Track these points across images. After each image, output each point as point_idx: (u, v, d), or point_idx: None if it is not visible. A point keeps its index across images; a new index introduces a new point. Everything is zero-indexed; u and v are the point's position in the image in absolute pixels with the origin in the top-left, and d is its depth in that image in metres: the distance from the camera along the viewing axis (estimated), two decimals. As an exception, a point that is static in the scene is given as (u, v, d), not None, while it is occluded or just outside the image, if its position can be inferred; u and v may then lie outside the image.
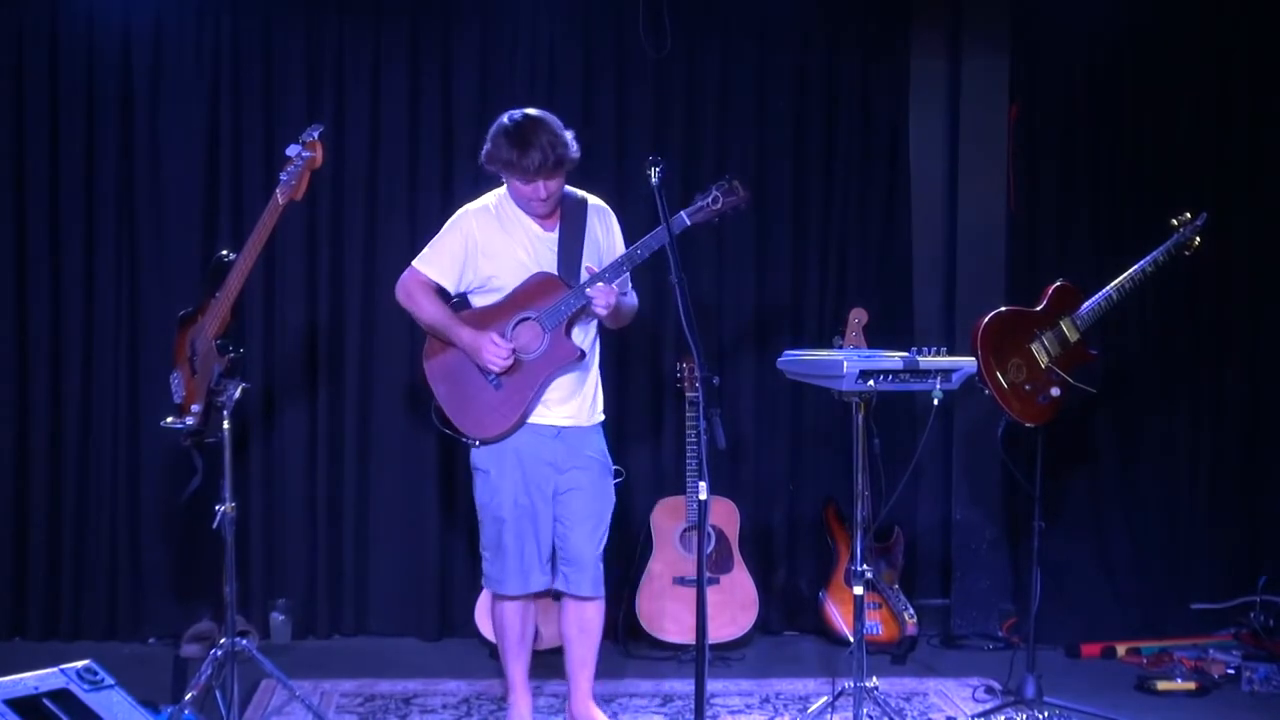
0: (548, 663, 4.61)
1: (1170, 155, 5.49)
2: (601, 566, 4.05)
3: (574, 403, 3.98)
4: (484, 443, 3.95)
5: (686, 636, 4.94)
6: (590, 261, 3.93)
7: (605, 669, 4.47)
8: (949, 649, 5.27)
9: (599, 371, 4.10)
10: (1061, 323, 4.40)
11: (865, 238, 5.47)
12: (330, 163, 4.76)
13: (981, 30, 5.44)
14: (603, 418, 4.10)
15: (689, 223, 3.83)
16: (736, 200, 3.86)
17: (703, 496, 3.26)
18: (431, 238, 4.04)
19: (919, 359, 3.80)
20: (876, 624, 5.02)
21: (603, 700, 4.37)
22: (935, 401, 3.79)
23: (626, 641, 5.04)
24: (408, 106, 5.23)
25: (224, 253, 3.93)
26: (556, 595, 4.10)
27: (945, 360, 3.83)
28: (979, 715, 4.35)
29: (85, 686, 3.16)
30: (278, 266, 5.17)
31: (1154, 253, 4.44)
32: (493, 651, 4.87)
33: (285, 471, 5.24)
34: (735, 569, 5.07)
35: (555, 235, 3.94)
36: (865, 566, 3.93)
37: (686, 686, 4.57)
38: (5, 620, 5.10)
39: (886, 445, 4.28)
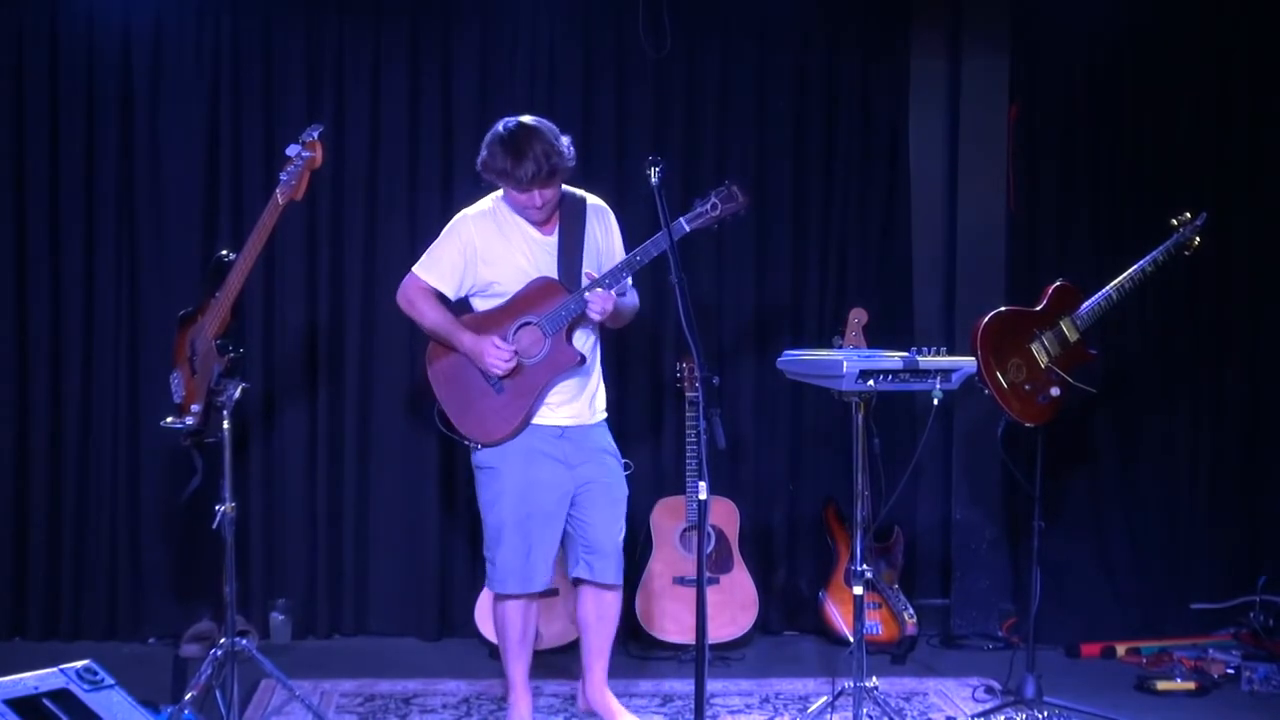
0: (548, 663, 4.62)
1: (1170, 155, 5.48)
2: (622, 556, 4.08)
3: (576, 403, 4.00)
4: (486, 446, 3.96)
5: (686, 636, 4.94)
6: (590, 262, 3.94)
7: (605, 669, 4.47)
8: (949, 649, 5.27)
9: (601, 370, 4.11)
10: (1061, 323, 4.40)
11: (865, 238, 5.47)
12: (330, 163, 4.76)
13: (981, 30, 5.44)
14: (605, 414, 4.11)
15: (688, 229, 3.84)
16: (736, 206, 3.87)
17: (703, 496, 3.26)
18: (431, 239, 4.04)
19: (919, 359, 3.80)
20: (876, 624, 5.02)
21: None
22: (935, 401, 3.80)
23: (626, 641, 5.03)
24: (408, 106, 5.23)
25: (224, 253, 3.93)
26: (554, 591, 4.10)
27: (945, 360, 3.83)
28: (979, 715, 4.35)
29: (85, 686, 3.16)
30: (278, 266, 5.17)
31: (1154, 253, 4.44)
32: (493, 651, 4.87)
33: (285, 471, 5.24)
34: (735, 569, 5.07)
35: (554, 239, 3.96)
36: (865, 566, 3.94)
37: (686, 686, 4.57)
38: (5, 620, 5.10)
39: (886, 445, 4.28)
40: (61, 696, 3.12)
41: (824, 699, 4.09)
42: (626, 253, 3.97)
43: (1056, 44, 5.48)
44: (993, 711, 4.36)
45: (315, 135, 3.71)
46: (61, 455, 5.13)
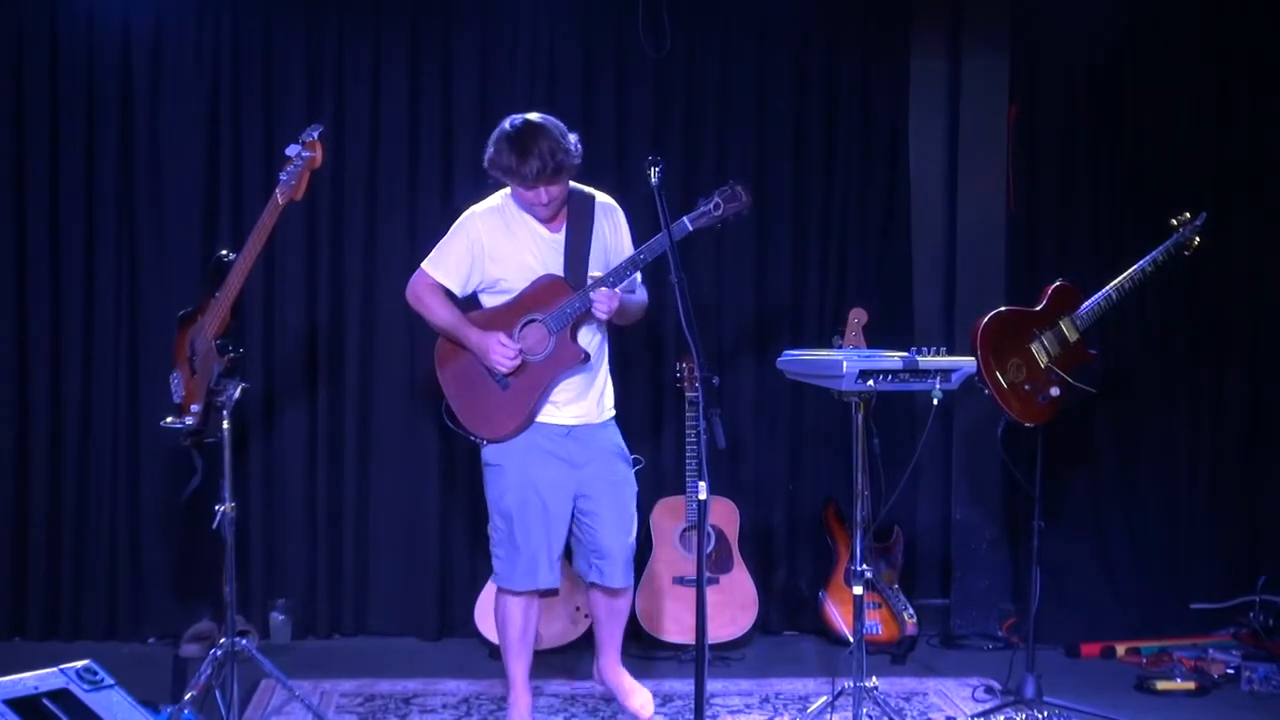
0: (547, 662, 4.62)
1: (1170, 155, 5.48)
2: (632, 557, 4.10)
3: (583, 402, 4.01)
4: (491, 442, 3.98)
5: (686, 636, 4.95)
6: (598, 260, 3.95)
7: (605, 669, 4.47)
8: (949, 649, 5.27)
9: (609, 369, 4.12)
10: (1061, 322, 4.40)
11: (865, 238, 5.47)
12: (330, 163, 4.76)
13: (981, 30, 5.44)
14: (613, 413, 4.12)
15: (691, 228, 3.84)
16: (739, 206, 3.87)
17: (702, 496, 3.26)
18: (431, 239, 4.04)
19: (918, 359, 3.80)
20: (876, 624, 5.03)
21: (603, 700, 4.39)
22: (935, 401, 3.80)
23: (626, 641, 5.00)
24: (408, 106, 5.23)
25: (224, 253, 3.93)
26: (555, 591, 4.11)
27: (945, 360, 3.84)
28: (979, 715, 4.35)
29: (85, 686, 3.16)
30: (278, 266, 5.17)
31: (1154, 252, 4.44)
32: (492, 651, 4.87)
33: (285, 471, 5.24)
34: (735, 569, 5.07)
35: (562, 236, 3.96)
36: (865, 566, 3.94)
37: (686, 686, 4.57)
38: (5, 620, 5.10)
39: (886, 445, 4.28)
40: (61, 696, 3.11)
41: (824, 699, 4.09)
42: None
43: (1056, 44, 5.48)
44: (993, 711, 4.36)
45: (315, 135, 3.71)
46: (61, 455, 5.13)
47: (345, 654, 5.08)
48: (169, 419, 4.00)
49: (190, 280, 4.84)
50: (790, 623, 5.44)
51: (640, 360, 5.32)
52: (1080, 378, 4.40)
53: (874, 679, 3.95)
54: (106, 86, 5.10)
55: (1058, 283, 4.47)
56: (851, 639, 3.95)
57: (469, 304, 4.07)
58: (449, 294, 4.01)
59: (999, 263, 5.44)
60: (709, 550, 5.03)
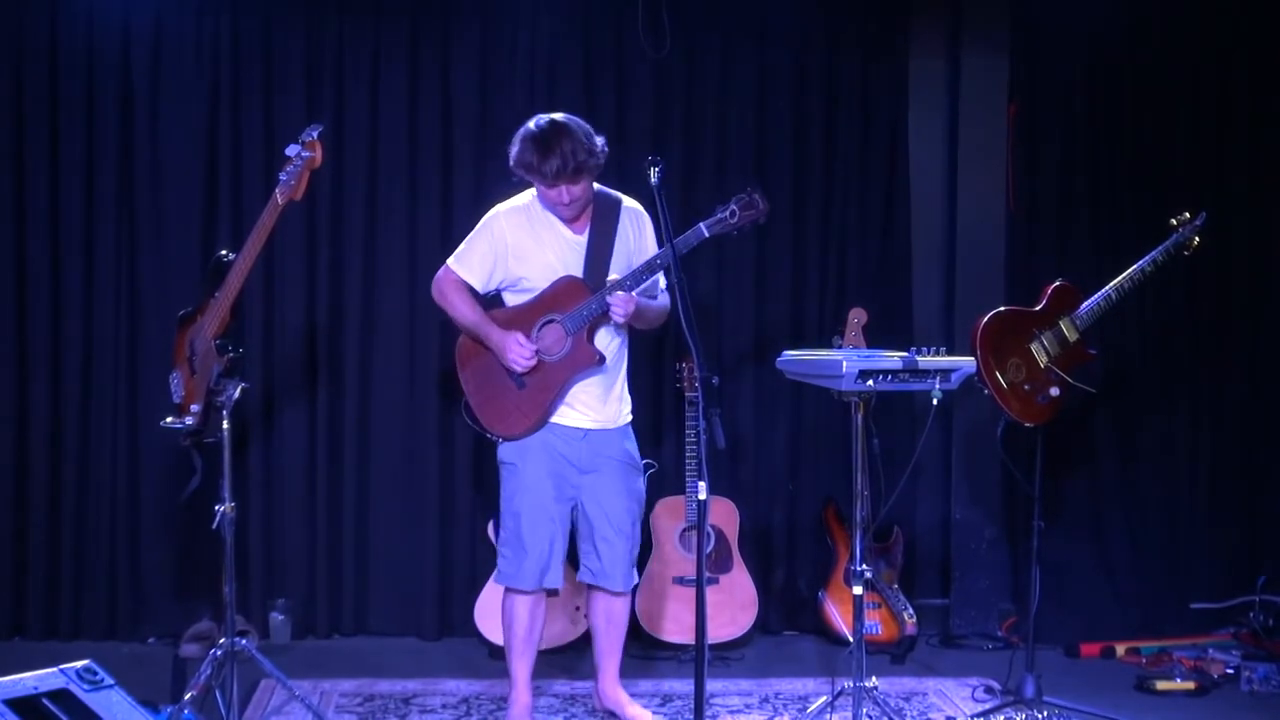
0: (547, 662, 4.62)
1: (1170, 155, 5.48)
2: (631, 562, 4.12)
3: (601, 406, 4.04)
4: (506, 439, 4.01)
5: (686, 636, 4.95)
6: (620, 264, 3.98)
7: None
8: (948, 649, 5.28)
9: (627, 373, 4.14)
10: (1061, 322, 4.40)
11: (865, 238, 5.47)
12: (330, 163, 4.78)
13: (981, 30, 5.45)
14: (630, 419, 4.15)
15: (707, 234, 3.86)
16: (756, 214, 3.88)
17: (702, 496, 3.27)
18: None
19: (918, 359, 3.80)
20: (876, 624, 5.02)
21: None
22: (935, 401, 3.80)
23: (626, 641, 5.02)
24: (407, 106, 5.23)
25: (223, 253, 3.93)
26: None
27: (944, 360, 3.84)
28: (978, 715, 4.35)
29: (85, 686, 3.16)
30: (277, 266, 5.17)
31: (1153, 252, 4.44)
32: (493, 651, 4.88)
33: (285, 471, 5.24)
34: (735, 569, 5.07)
35: (585, 238, 3.99)
36: (865, 566, 3.94)
37: (686, 686, 4.57)
38: (5, 620, 5.10)
39: (886, 445, 4.28)
40: (61, 696, 3.11)
41: (824, 699, 4.10)
42: None
43: (1056, 44, 5.48)
44: (992, 711, 4.36)
45: (315, 135, 3.71)
46: (61, 455, 5.12)
47: (345, 654, 5.08)
48: (169, 419, 4.00)
49: (190, 280, 4.83)
50: (790, 623, 5.43)
51: (640, 360, 5.30)
52: (1080, 378, 4.40)
53: (874, 679, 3.94)
54: (106, 86, 5.10)
55: (1057, 283, 4.47)
56: (851, 639, 3.95)
57: (491, 302, 4.10)
58: (473, 291, 4.04)
59: (999, 263, 5.45)
60: (709, 550, 5.03)
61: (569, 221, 3.98)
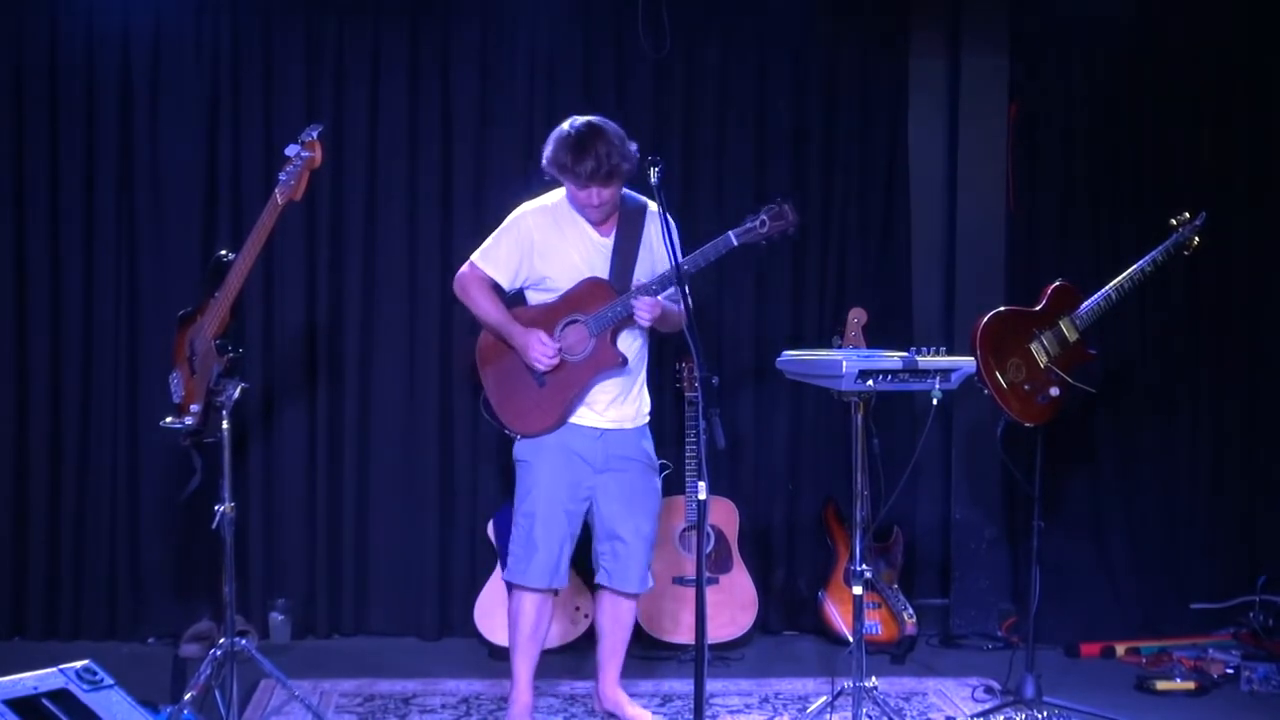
0: (547, 662, 4.60)
1: (1170, 155, 5.48)
2: (647, 564, 4.12)
3: (620, 406, 4.05)
4: (524, 437, 4.03)
5: (686, 636, 4.95)
6: (644, 267, 4.00)
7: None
8: (948, 649, 5.27)
9: (646, 375, 4.15)
10: (1060, 322, 4.40)
11: (865, 238, 5.47)
12: (330, 163, 4.78)
13: (981, 30, 5.44)
14: (648, 419, 4.16)
15: (736, 244, 3.91)
16: (785, 225, 3.94)
17: (702, 496, 3.26)
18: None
19: (918, 359, 3.80)
20: (876, 624, 5.02)
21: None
22: (934, 401, 3.80)
23: (626, 641, 5.04)
24: (407, 106, 5.22)
25: (223, 253, 3.93)
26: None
27: (944, 360, 3.84)
28: (978, 715, 4.35)
29: (84, 686, 3.16)
30: (277, 266, 5.17)
31: (1153, 252, 4.44)
32: (492, 651, 4.88)
33: (285, 471, 5.24)
34: (734, 569, 5.07)
35: (611, 241, 4.01)
36: (865, 566, 3.93)
37: (686, 686, 4.57)
38: (5, 620, 5.10)
39: (886, 445, 4.28)
40: (61, 696, 3.11)
41: (823, 699, 4.09)
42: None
43: (1056, 44, 5.48)
44: (992, 711, 4.36)
45: (315, 135, 3.71)
46: (61, 455, 5.12)
47: (345, 654, 5.08)
48: (168, 419, 4.00)
49: (190, 280, 4.83)
50: (790, 623, 5.43)
51: (640, 360, 5.32)
52: (1080, 378, 4.40)
53: (873, 679, 3.94)
54: (106, 86, 5.10)
55: (1057, 283, 4.47)
56: (851, 639, 3.95)
57: (511, 301, 4.11)
58: (497, 288, 4.05)
59: (999, 263, 5.44)
60: (709, 550, 5.03)
61: (596, 224, 3.99)
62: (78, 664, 3.22)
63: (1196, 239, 4.47)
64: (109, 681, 3.22)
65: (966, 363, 3.91)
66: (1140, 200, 5.41)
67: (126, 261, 5.14)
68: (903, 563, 5.21)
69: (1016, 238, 5.47)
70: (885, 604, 5.05)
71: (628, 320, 3.96)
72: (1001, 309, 4.49)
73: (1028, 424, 4.32)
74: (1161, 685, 4.67)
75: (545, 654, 4.55)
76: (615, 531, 4.05)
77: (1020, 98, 5.45)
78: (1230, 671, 4.82)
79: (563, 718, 4.32)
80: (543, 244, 3.99)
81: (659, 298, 3.92)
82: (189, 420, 3.91)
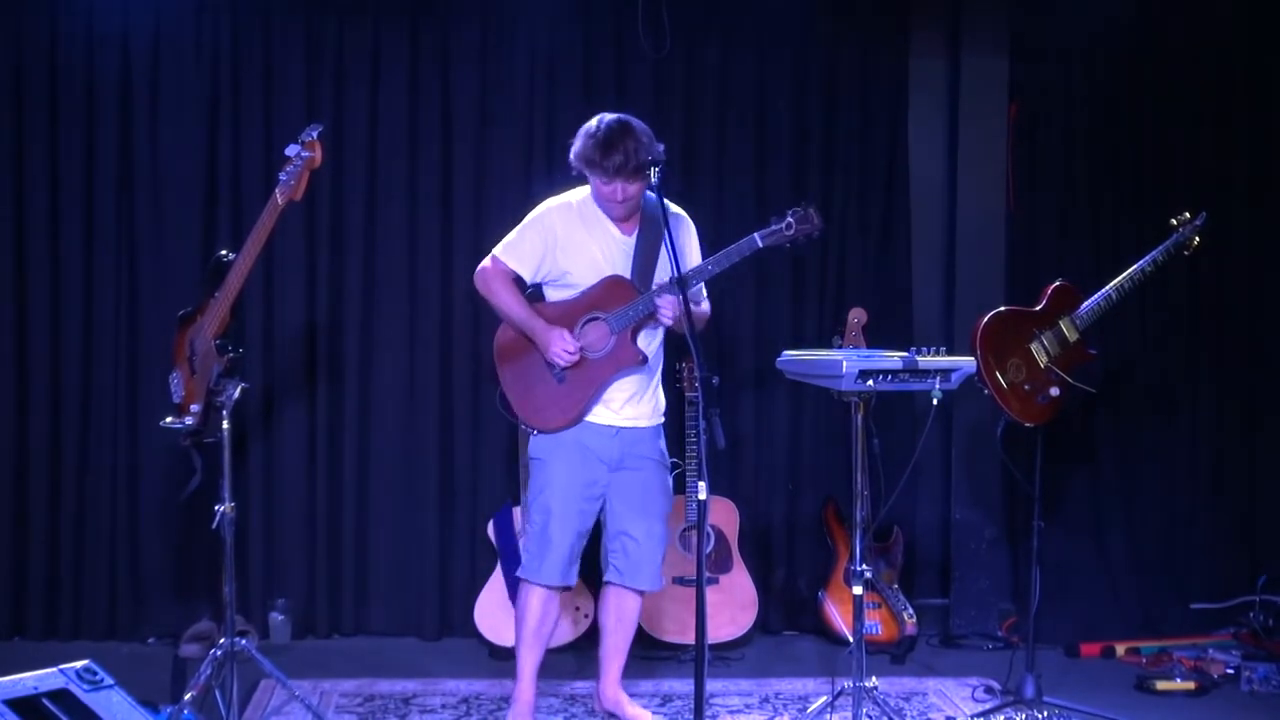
0: (547, 662, 4.60)
1: (1170, 155, 5.49)
2: (658, 562, 4.13)
3: (635, 404, 4.05)
4: (541, 432, 4.03)
5: (686, 636, 4.94)
6: (665, 267, 3.98)
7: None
8: (948, 649, 5.27)
9: (661, 374, 4.15)
10: (1061, 322, 4.40)
11: (865, 237, 5.47)
12: (330, 163, 4.77)
13: (981, 30, 5.44)
14: (663, 419, 4.17)
15: (761, 245, 3.92)
16: (810, 228, 3.95)
17: (702, 496, 3.27)
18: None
19: (918, 359, 3.80)
20: (876, 624, 5.02)
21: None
22: (935, 401, 3.80)
23: (626, 641, 5.04)
24: (407, 106, 5.23)
25: (223, 253, 3.93)
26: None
27: (944, 360, 3.83)
28: (978, 715, 4.35)
29: (85, 686, 3.16)
30: (277, 266, 5.17)
31: (1153, 252, 4.44)
32: (493, 651, 4.88)
33: (285, 471, 5.24)
34: (735, 569, 5.07)
35: (633, 240, 4.01)
36: (865, 566, 3.93)
37: (686, 686, 4.57)
38: (5, 620, 5.10)
39: (886, 445, 4.28)
40: (61, 696, 3.11)
41: (824, 699, 4.09)
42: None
43: (1056, 44, 5.48)
44: (992, 711, 4.36)
45: (315, 135, 3.71)
46: (61, 455, 5.12)
47: (345, 654, 5.07)
48: (168, 419, 4.00)
49: (190, 280, 4.83)
50: (790, 623, 5.43)
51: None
52: (1080, 378, 4.40)
53: (874, 679, 3.94)
54: (106, 86, 5.10)
55: (1057, 283, 4.47)
56: (851, 639, 3.95)
57: (529, 296, 4.11)
58: (519, 282, 4.05)
59: (999, 263, 5.44)
60: (709, 550, 5.03)
61: (619, 221, 4.00)
62: (78, 664, 3.21)
63: (1196, 239, 4.47)
64: (109, 681, 3.22)
65: (966, 363, 3.91)
66: (1140, 200, 5.41)
67: (126, 261, 5.14)
68: (903, 563, 5.21)
69: (1016, 238, 5.47)
70: (885, 604, 5.05)
71: (649, 319, 3.96)
72: (1001, 309, 4.49)
73: (1028, 424, 4.32)
74: (1161, 685, 4.67)
75: (546, 654, 4.56)
76: (627, 530, 4.06)
77: (1020, 98, 5.45)
78: (1230, 671, 4.82)
79: (563, 718, 4.32)
80: (566, 239, 3.99)
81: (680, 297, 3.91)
82: (189, 420, 3.91)
